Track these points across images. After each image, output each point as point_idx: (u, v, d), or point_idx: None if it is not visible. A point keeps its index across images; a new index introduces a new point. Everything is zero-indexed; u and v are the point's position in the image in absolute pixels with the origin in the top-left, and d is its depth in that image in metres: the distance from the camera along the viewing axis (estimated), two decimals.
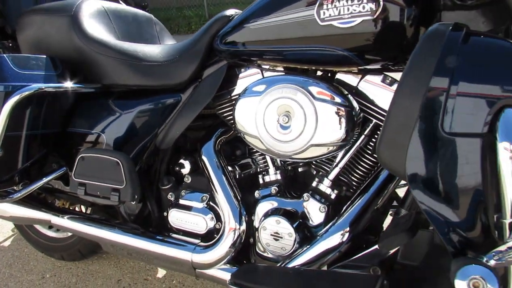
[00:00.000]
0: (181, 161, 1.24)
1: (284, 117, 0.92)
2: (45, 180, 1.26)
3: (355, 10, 0.83)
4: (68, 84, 1.19)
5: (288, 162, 1.11)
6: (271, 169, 1.09)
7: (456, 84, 0.62)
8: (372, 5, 0.81)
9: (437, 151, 0.63)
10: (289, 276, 0.90)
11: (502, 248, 0.57)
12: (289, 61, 0.98)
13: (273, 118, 0.94)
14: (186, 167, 1.23)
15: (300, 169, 1.12)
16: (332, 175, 1.01)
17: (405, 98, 0.65)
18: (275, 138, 0.94)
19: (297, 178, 1.12)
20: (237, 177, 1.16)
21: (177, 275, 1.54)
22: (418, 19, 0.84)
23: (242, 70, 1.10)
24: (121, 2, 2.17)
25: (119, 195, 1.10)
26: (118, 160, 1.10)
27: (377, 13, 0.82)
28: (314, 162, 1.07)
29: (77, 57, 1.23)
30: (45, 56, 1.19)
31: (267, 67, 1.05)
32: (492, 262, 0.57)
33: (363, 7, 0.82)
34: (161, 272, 1.57)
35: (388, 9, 0.82)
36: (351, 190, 1.02)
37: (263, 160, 1.13)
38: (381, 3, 0.81)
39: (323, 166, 1.06)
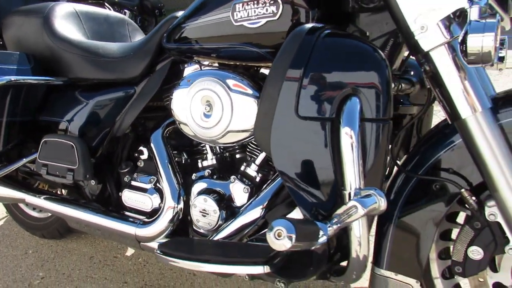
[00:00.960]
0: (140, 148, 1.38)
1: (206, 107, 1.04)
2: (20, 162, 1.42)
3: (260, 12, 0.95)
4: (38, 78, 1.35)
5: (225, 149, 1.23)
6: (209, 154, 1.21)
7: (308, 76, 0.73)
8: (273, 8, 0.93)
9: (294, 132, 0.74)
10: (206, 246, 1.03)
11: (340, 211, 0.67)
12: (218, 57, 1.10)
13: (197, 107, 1.06)
14: (144, 154, 1.37)
15: (237, 155, 1.24)
16: (259, 160, 1.13)
17: (270, 87, 0.77)
18: (200, 125, 1.07)
19: (233, 163, 1.24)
20: (183, 162, 1.28)
21: (143, 254, 1.68)
22: (326, 20, 0.95)
23: (185, 66, 1.23)
24: (106, 5, 2.35)
25: (73, 174, 1.25)
26: (72, 144, 1.25)
27: (279, 14, 0.93)
28: (248, 148, 1.19)
29: (47, 54, 1.39)
30: (18, 53, 1.35)
31: (206, 62, 1.18)
32: (334, 226, 0.68)
33: (266, 10, 0.94)
34: (130, 251, 1.72)
35: (290, 11, 0.93)
36: (274, 173, 1.13)
37: (203, 147, 1.26)
38: (281, 5, 0.92)
39: (255, 152, 1.17)
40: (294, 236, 0.59)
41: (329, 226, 0.68)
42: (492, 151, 0.81)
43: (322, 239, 0.66)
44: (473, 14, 0.74)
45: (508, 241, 0.85)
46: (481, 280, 0.96)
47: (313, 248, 0.69)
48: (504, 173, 0.81)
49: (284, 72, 0.75)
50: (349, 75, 0.71)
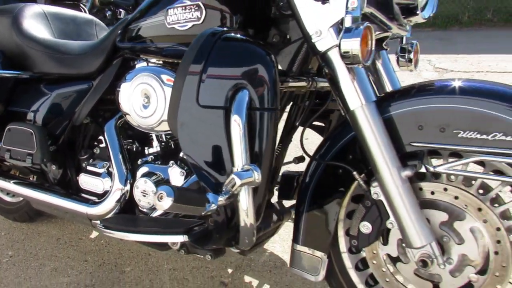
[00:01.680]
0: (98, 137, 1.52)
1: (145, 99, 1.19)
2: None
3: (187, 17, 1.09)
4: (6, 71, 1.50)
5: (169, 137, 1.36)
6: (154, 142, 1.35)
7: (207, 71, 0.88)
8: (198, 13, 1.07)
9: (195, 119, 0.89)
10: (140, 221, 1.17)
11: (225, 184, 0.82)
12: (158, 56, 1.24)
13: (137, 99, 1.20)
14: (101, 142, 1.51)
15: (177, 143, 1.38)
16: None
17: (177, 80, 0.91)
18: (139, 115, 1.21)
19: (174, 150, 1.37)
20: (133, 149, 1.42)
21: (106, 236, 1.82)
22: (250, 25, 1.09)
23: (135, 63, 1.37)
24: (82, 6, 2.49)
25: (32, 158, 1.39)
26: (31, 131, 1.39)
27: (202, 19, 1.07)
28: None
29: (16, 51, 1.54)
30: None
31: (153, 60, 1.32)
32: (222, 196, 0.82)
33: (192, 15, 1.08)
34: (94, 234, 1.86)
35: (213, 16, 1.07)
36: None
37: (150, 136, 1.39)
38: (204, 11, 1.06)
39: None
40: (172, 199, 0.73)
41: (219, 197, 0.82)
42: (375, 138, 0.95)
43: (212, 206, 0.81)
44: (347, 22, 0.89)
45: (388, 216, 0.99)
46: (375, 252, 1.10)
47: (204, 214, 0.83)
48: (384, 157, 0.95)
49: (188, 67, 0.89)
50: (241, 71, 0.86)
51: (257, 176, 0.83)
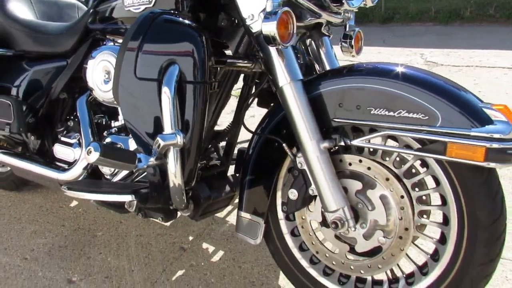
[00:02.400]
0: (73, 111, 1.65)
1: (105, 74, 1.31)
2: None
3: (140, 0, 1.21)
4: None
5: None
6: (120, 116, 1.48)
7: (143, 47, 1.00)
8: None
9: (133, 89, 1.01)
10: (99, 184, 1.30)
11: (154, 143, 0.94)
12: (120, 36, 1.36)
13: (99, 75, 1.33)
14: (75, 116, 1.65)
15: None
16: None
17: (119, 55, 1.03)
18: (101, 89, 1.34)
19: None
20: (103, 123, 1.56)
21: (84, 205, 1.97)
22: (201, 8, 1.20)
23: (104, 43, 1.49)
24: None
25: (10, 128, 1.53)
26: (9, 102, 1.53)
27: (153, 2, 1.19)
28: None
29: (1, 31, 1.67)
30: None
31: (120, 41, 1.44)
32: (151, 157, 0.95)
33: None
34: (74, 203, 2.01)
35: (163, 0, 1.18)
36: None
37: (117, 110, 1.52)
38: None
39: None
40: (99, 153, 0.86)
41: (150, 158, 0.95)
42: (299, 112, 1.07)
43: (141, 164, 0.93)
44: (268, 7, 1.00)
45: (310, 184, 1.11)
46: (303, 218, 1.22)
47: (136, 171, 0.96)
48: (306, 130, 1.06)
49: (127, 44, 1.01)
50: (172, 48, 0.98)
51: (179, 139, 0.95)
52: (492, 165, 0.89)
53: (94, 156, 0.86)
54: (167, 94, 0.95)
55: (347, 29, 1.37)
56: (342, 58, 1.40)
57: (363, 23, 7.47)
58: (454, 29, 6.25)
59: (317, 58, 1.35)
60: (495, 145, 0.87)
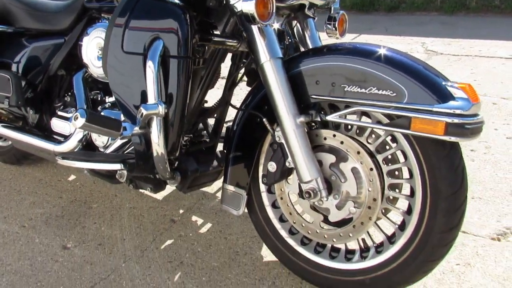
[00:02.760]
0: (70, 87, 1.73)
1: (99, 51, 1.38)
2: None
3: None
4: None
5: None
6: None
7: (129, 23, 1.06)
8: None
9: (120, 63, 1.08)
10: (91, 155, 1.38)
11: (138, 112, 1.02)
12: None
13: (93, 52, 1.40)
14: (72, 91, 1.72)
15: None
16: None
17: (108, 30, 1.10)
18: (94, 65, 1.41)
19: None
20: (98, 98, 1.63)
21: (82, 178, 2.06)
22: None
23: (100, 21, 1.55)
24: None
25: (9, 101, 1.61)
26: (8, 77, 1.61)
27: None
28: None
29: (1, 7, 1.74)
30: None
31: None
32: (135, 126, 1.02)
33: None
34: (72, 177, 2.10)
35: None
36: None
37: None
38: None
39: None
40: (84, 119, 0.93)
41: (134, 127, 1.02)
42: (278, 88, 1.13)
43: (127, 132, 1.00)
44: None
45: (288, 156, 1.18)
46: (282, 190, 1.29)
47: (121, 138, 1.03)
48: (284, 105, 1.13)
49: (115, 20, 1.07)
50: (158, 24, 1.04)
51: (161, 109, 1.02)
52: (452, 139, 0.95)
53: (80, 121, 0.93)
54: (151, 68, 1.02)
55: (332, 12, 1.42)
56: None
57: (369, 12, 7.45)
58: (458, 19, 6.21)
59: (302, 39, 1.41)
60: (455, 120, 0.93)
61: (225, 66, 1.47)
